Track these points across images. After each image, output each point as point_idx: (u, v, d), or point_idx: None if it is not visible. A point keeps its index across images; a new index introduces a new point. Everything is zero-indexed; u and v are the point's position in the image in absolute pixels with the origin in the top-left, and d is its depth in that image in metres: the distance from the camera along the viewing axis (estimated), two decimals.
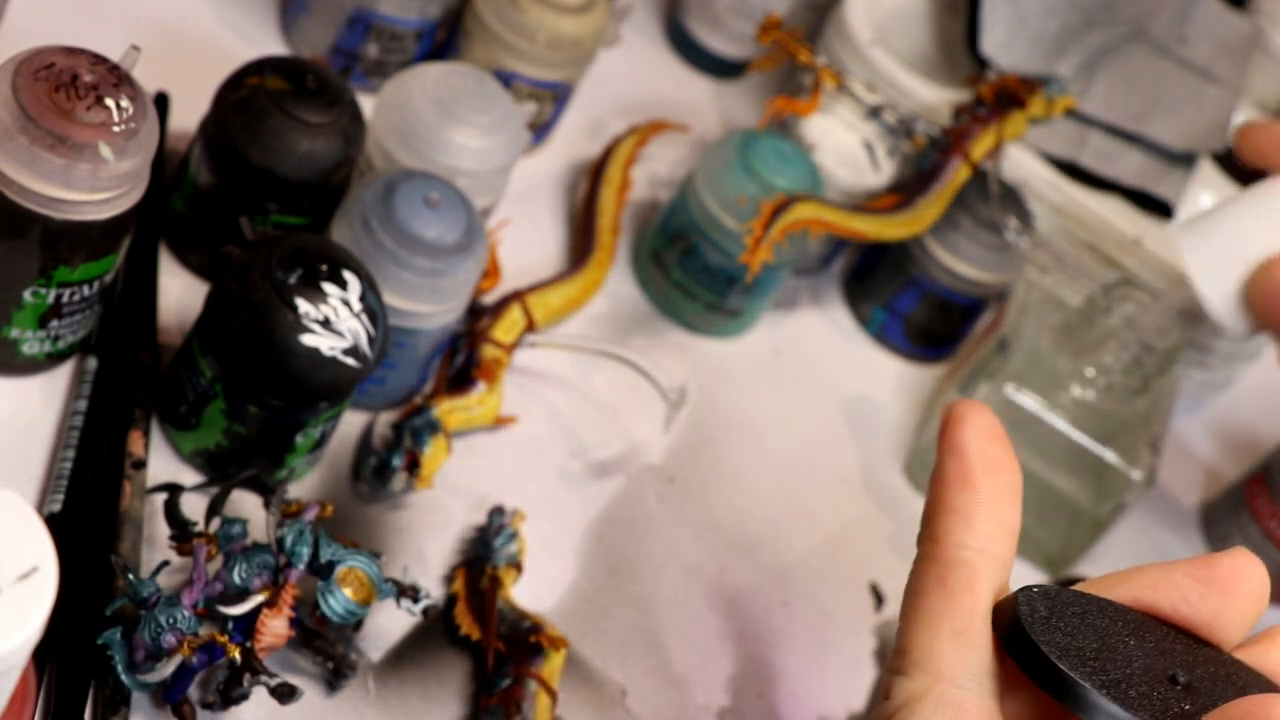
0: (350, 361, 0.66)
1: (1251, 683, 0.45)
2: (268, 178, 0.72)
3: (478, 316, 0.79)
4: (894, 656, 0.44)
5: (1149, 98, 0.98)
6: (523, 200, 0.89)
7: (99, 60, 0.63)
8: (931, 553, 0.45)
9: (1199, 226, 0.81)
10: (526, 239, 0.88)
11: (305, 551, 0.62)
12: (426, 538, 0.73)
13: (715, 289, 0.88)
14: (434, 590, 0.71)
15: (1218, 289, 0.79)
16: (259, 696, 0.60)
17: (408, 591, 0.64)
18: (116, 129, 0.62)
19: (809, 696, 0.75)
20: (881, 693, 0.44)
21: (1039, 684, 0.42)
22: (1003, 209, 0.90)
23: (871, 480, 0.87)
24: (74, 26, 0.81)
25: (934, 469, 0.47)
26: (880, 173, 0.91)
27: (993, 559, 0.44)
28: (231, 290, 0.66)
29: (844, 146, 0.90)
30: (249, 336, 0.65)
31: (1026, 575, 0.88)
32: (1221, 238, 0.79)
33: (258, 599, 0.61)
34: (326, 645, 0.65)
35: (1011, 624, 0.43)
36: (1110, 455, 0.85)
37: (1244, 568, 0.45)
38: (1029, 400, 0.85)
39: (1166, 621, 0.46)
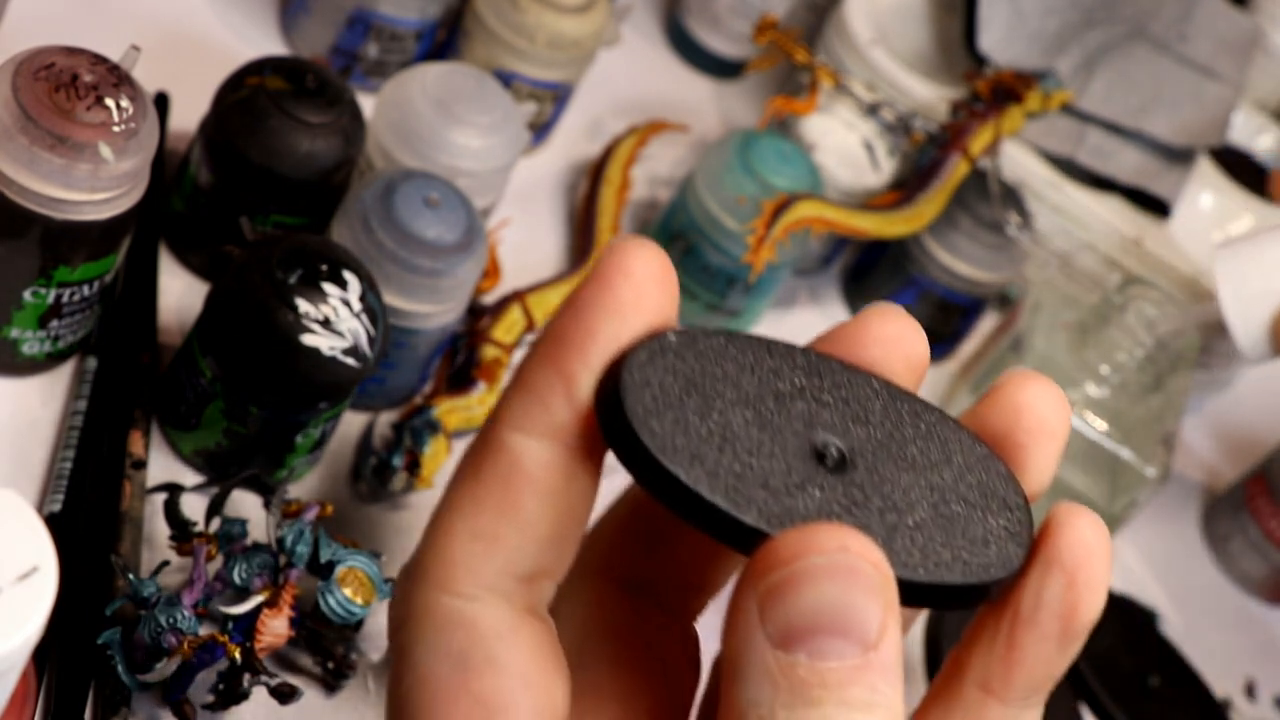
0: (350, 361, 0.66)
1: (937, 447, 0.36)
2: (268, 178, 0.72)
3: (478, 316, 0.79)
4: (415, 552, 0.35)
5: (1148, 94, 0.98)
6: (523, 200, 0.89)
7: (99, 60, 0.63)
8: (481, 433, 0.35)
9: (1235, 252, 0.81)
10: (526, 239, 0.88)
11: (305, 551, 0.62)
12: None
13: (715, 289, 0.88)
14: None
15: (1245, 317, 0.79)
16: (259, 696, 0.60)
17: None
18: (116, 129, 0.62)
19: None
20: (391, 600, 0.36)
21: (636, 479, 0.34)
22: (1003, 206, 0.90)
23: None
24: (74, 26, 0.81)
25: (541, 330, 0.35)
26: (880, 172, 0.91)
27: (552, 458, 0.34)
28: (231, 290, 0.66)
29: (844, 146, 0.90)
30: (249, 336, 0.65)
31: None
32: (1256, 268, 0.80)
33: (258, 599, 0.61)
34: (326, 645, 0.65)
35: (609, 389, 0.34)
36: (1125, 452, 0.85)
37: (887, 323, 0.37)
38: None
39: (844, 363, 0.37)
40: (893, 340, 0.38)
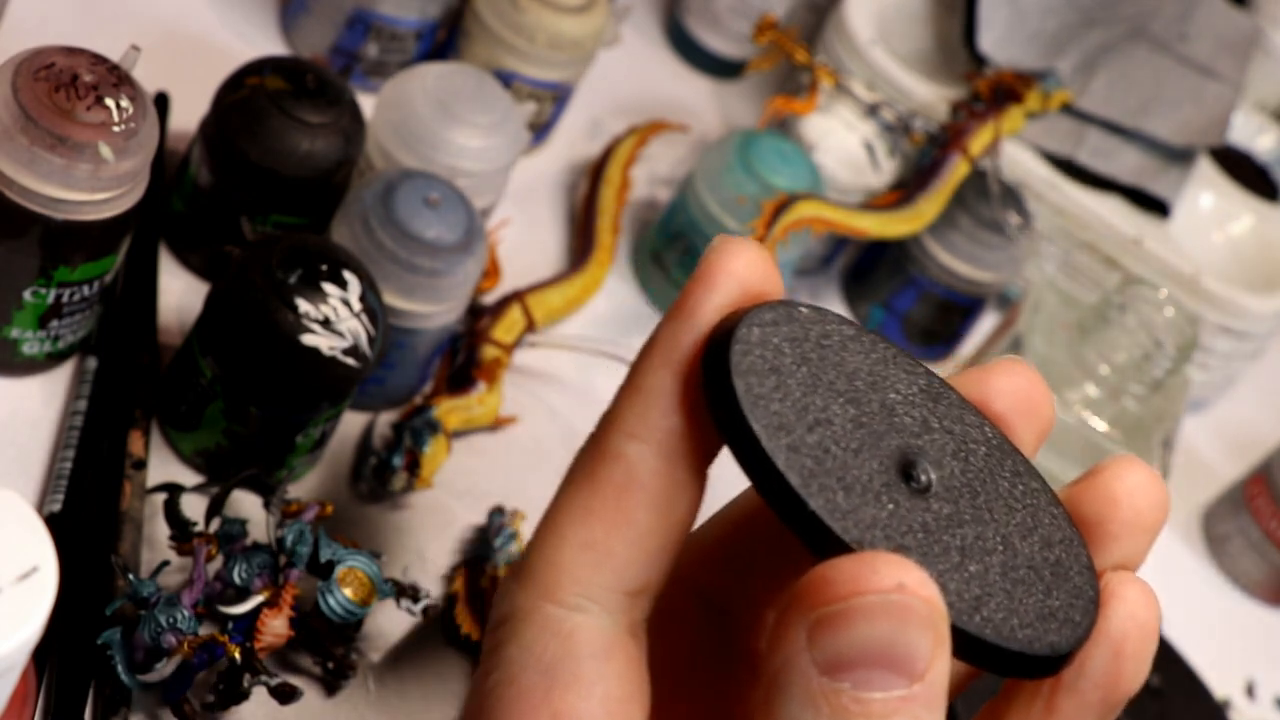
0: (350, 361, 0.66)
1: (1026, 513, 0.35)
2: (268, 178, 0.72)
3: (478, 316, 0.79)
4: (523, 554, 0.36)
5: (1148, 93, 0.98)
6: (523, 200, 0.89)
7: (99, 60, 0.63)
8: (595, 436, 0.35)
9: None
10: (526, 239, 0.88)
11: (305, 551, 0.62)
12: (426, 538, 0.73)
13: None
14: (434, 590, 0.71)
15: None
16: (259, 696, 0.60)
17: (408, 591, 0.64)
18: (116, 129, 0.62)
19: None
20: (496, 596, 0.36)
21: (718, 425, 0.33)
22: (1003, 206, 0.90)
23: None
24: (74, 26, 0.81)
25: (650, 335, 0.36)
26: (880, 173, 0.91)
27: (665, 469, 0.34)
28: (231, 290, 0.66)
29: (844, 146, 0.90)
30: (249, 336, 0.65)
31: None
32: None
33: (258, 599, 0.61)
34: (326, 645, 0.65)
35: (715, 352, 0.33)
36: (1125, 452, 0.85)
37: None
38: None
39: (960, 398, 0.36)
40: (1020, 396, 0.37)
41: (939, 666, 0.31)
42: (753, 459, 0.32)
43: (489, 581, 0.70)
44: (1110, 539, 0.36)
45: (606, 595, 0.34)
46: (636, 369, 0.35)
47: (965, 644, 0.32)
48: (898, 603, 0.30)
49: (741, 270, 0.34)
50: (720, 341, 0.33)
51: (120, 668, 0.59)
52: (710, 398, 0.33)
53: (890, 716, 0.30)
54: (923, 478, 0.34)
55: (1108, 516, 0.36)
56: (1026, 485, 0.36)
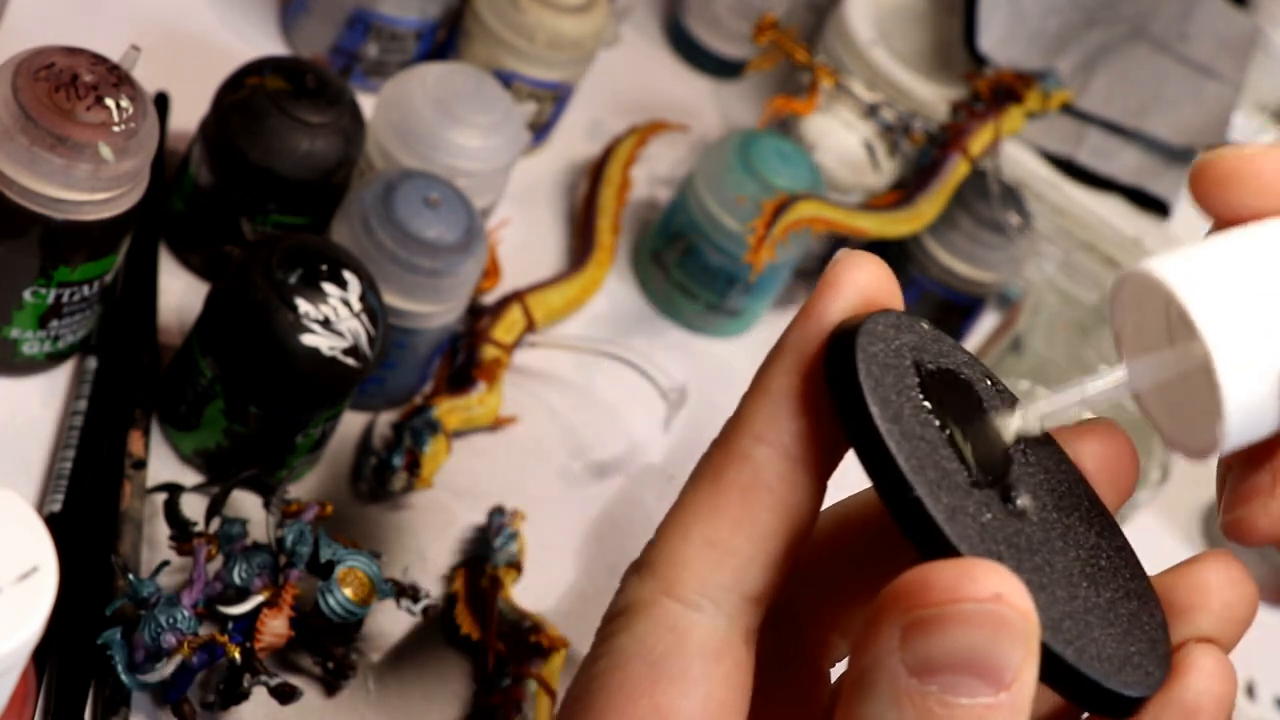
0: (350, 361, 0.66)
1: (1110, 567, 0.35)
2: (268, 178, 0.72)
3: (478, 316, 0.79)
4: (645, 548, 0.36)
5: (1148, 93, 0.98)
6: (523, 200, 0.89)
7: (99, 60, 0.63)
8: (723, 437, 0.36)
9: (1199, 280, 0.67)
10: (526, 239, 0.88)
11: (305, 551, 0.62)
12: (426, 538, 0.73)
13: (715, 289, 0.88)
14: (434, 590, 0.71)
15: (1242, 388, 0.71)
16: (259, 696, 0.60)
17: (408, 591, 0.64)
18: (116, 129, 0.62)
19: None
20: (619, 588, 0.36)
21: (841, 423, 0.34)
22: (1003, 206, 0.90)
23: None
24: (74, 26, 0.81)
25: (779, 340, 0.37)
26: (880, 173, 0.91)
27: (790, 473, 0.35)
28: (231, 290, 0.66)
29: (844, 146, 0.90)
30: (249, 336, 0.65)
31: None
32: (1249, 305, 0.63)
33: (258, 599, 0.61)
34: (326, 645, 0.65)
35: (839, 344, 0.34)
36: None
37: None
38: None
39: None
40: (1109, 460, 0.39)
41: (1026, 679, 0.31)
42: (870, 447, 0.33)
43: (489, 581, 0.70)
44: (1197, 623, 0.37)
45: (725, 596, 0.35)
46: (764, 372, 0.35)
47: (1049, 665, 0.33)
48: (994, 613, 0.30)
49: (865, 280, 0.36)
50: (846, 335, 0.34)
51: (120, 668, 0.59)
52: (832, 384, 0.34)
53: None
54: (1019, 501, 0.35)
55: (1196, 604, 0.37)
56: (1110, 539, 0.37)
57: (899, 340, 0.35)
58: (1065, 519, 0.36)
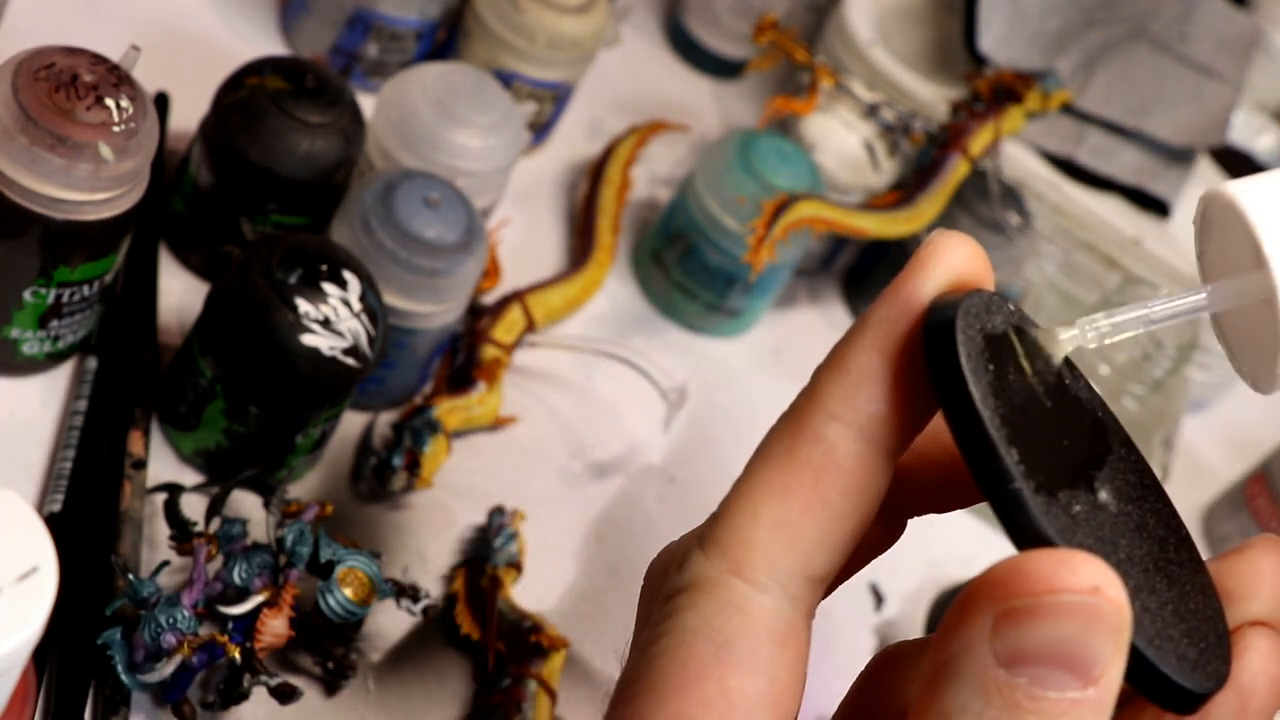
0: (350, 361, 0.66)
1: (1176, 566, 0.36)
2: (268, 178, 0.72)
3: (478, 316, 0.79)
4: (708, 521, 0.35)
5: (1148, 93, 0.98)
6: (523, 200, 0.89)
7: (99, 60, 0.63)
8: (795, 413, 0.35)
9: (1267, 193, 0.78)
10: (526, 239, 0.88)
11: (305, 551, 0.62)
12: (426, 538, 0.73)
13: (715, 289, 0.88)
14: (434, 590, 0.71)
15: None
16: (259, 696, 0.60)
17: (408, 591, 0.64)
18: (116, 129, 0.62)
19: (808, 696, 0.75)
20: (678, 556, 0.36)
21: (941, 405, 0.33)
22: (1003, 206, 0.90)
23: None
24: (74, 26, 0.81)
25: (860, 318, 0.36)
26: (880, 172, 0.91)
27: (864, 455, 0.34)
28: (231, 290, 0.66)
29: (844, 146, 0.90)
30: (249, 336, 0.65)
31: None
32: None
33: (258, 599, 0.61)
34: (326, 645, 0.65)
35: (941, 321, 0.33)
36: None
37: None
38: None
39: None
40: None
41: (1114, 674, 0.31)
42: (970, 434, 0.33)
43: (489, 581, 0.70)
44: (1250, 609, 0.36)
45: (792, 578, 0.34)
46: (843, 350, 0.35)
47: (1129, 659, 0.32)
48: (1091, 605, 0.30)
49: (959, 261, 0.35)
50: (945, 316, 0.33)
51: (120, 668, 0.59)
52: (933, 366, 0.33)
53: (1060, 717, 0.30)
54: (1101, 494, 0.35)
55: (1249, 592, 0.36)
56: (1175, 530, 0.37)
57: (994, 321, 0.34)
58: (1138, 510, 0.36)
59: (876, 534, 0.39)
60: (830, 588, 0.39)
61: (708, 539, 0.35)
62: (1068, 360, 0.36)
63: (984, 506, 0.39)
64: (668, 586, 0.35)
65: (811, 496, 0.34)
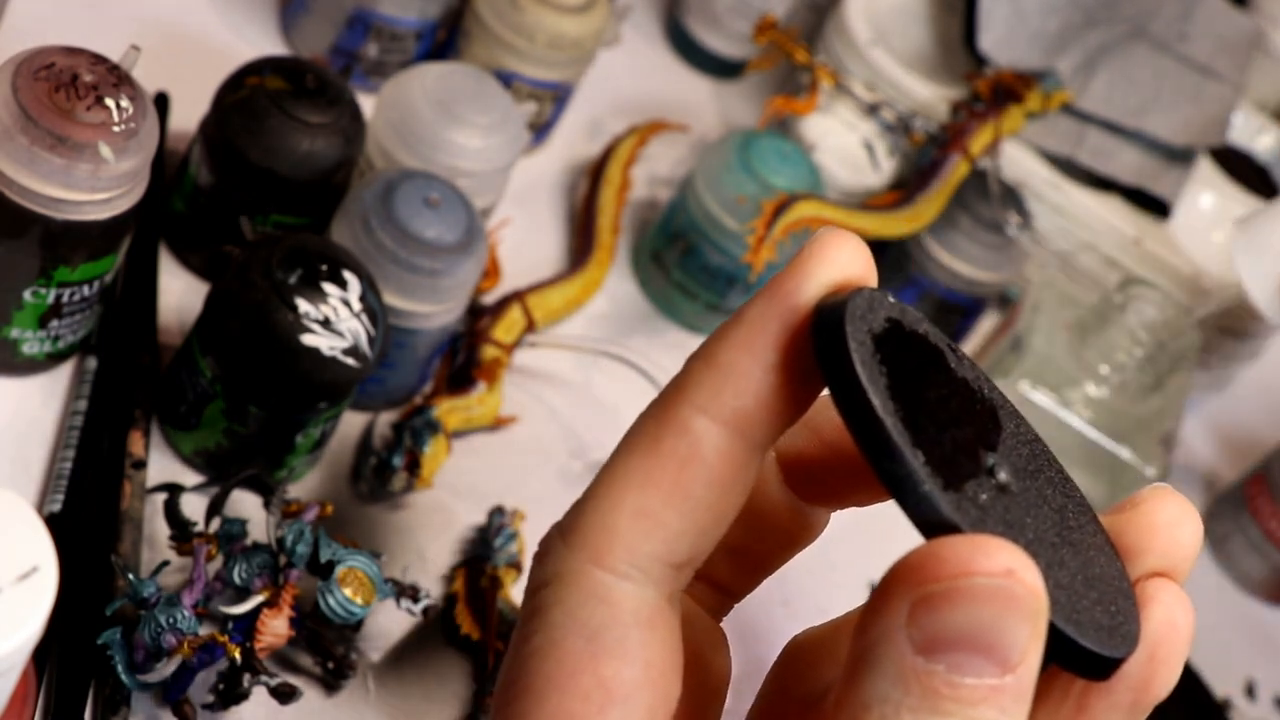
0: (350, 361, 0.66)
1: (1078, 533, 0.36)
2: (268, 178, 0.72)
3: (478, 316, 0.79)
4: (570, 510, 0.35)
5: (1148, 93, 0.98)
6: (523, 200, 0.89)
7: (99, 60, 0.63)
8: (661, 404, 0.34)
9: (1250, 225, 0.85)
10: (526, 239, 0.88)
11: (305, 551, 0.62)
12: (426, 538, 0.73)
13: (715, 289, 0.88)
14: (434, 590, 0.71)
15: (1261, 281, 0.83)
16: (259, 696, 0.60)
17: (408, 591, 0.64)
18: (116, 129, 0.62)
19: None
20: (538, 551, 0.35)
21: (840, 411, 0.33)
22: (1003, 206, 0.90)
23: None
24: (74, 26, 0.81)
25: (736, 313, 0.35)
26: (880, 172, 0.91)
27: (729, 448, 0.34)
28: (231, 290, 0.66)
29: (844, 146, 0.90)
30: (249, 336, 0.65)
31: None
32: (1268, 235, 0.84)
33: (258, 599, 0.61)
34: (326, 645, 0.65)
35: (830, 320, 0.33)
36: (1125, 452, 0.85)
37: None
38: (1043, 398, 0.85)
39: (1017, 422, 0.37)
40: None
41: (1032, 661, 0.31)
42: (869, 432, 0.32)
43: (489, 581, 0.70)
44: (1148, 563, 0.36)
45: (653, 565, 0.34)
46: (716, 344, 0.34)
47: (1049, 639, 0.32)
48: (1005, 589, 0.30)
49: (845, 260, 0.34)
50: (833, 314, 0.33)
51: (120, 668, 0.59)
52: (825, 364, 0.33)
53: (979, 704, 0.30)
54: (1001, 475, 0.34)
55: (1145, 546, 0.36)
56: (1072, 495, 0.36)
57: (878, 318, 0.34)
58: (1035, 484, 0.36)
59: (797, 527, 0.39)
60: (753, 583, 0.40)
61: (569, 529, 0.35)
62: (950, 342, 0.36)
63: None
64: (532, 579, 0.35)
65: (673, 487, 0.34)
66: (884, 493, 0.34)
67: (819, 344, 0.33)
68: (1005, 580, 0.30)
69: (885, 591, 0.31)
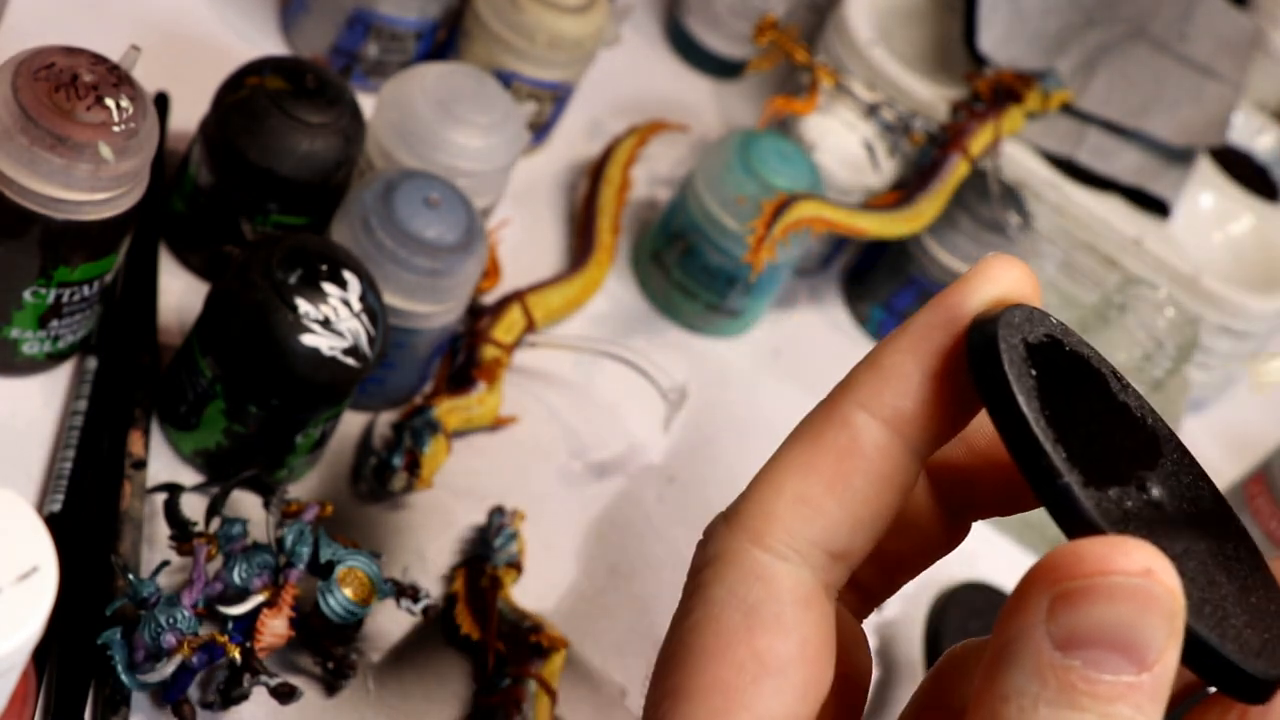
0: (350, 361, 0.66)
1: (1238, 563, 0.36)
2: (268, 178, 0.72)
3: (478, 316, 0.79)
4: (736, 499, 0.37)
5: (1148, 93, 0.98)
6: (523, 200, 0.89)
7: (99, 60, 0.63)
8: (826, 402, 0.36)
9: None
10: (526, 239, 0.88)
11: (305, 551, 0.62)
12: (426, 538, 0.73)
13: (715, 289, 0.88)
14: (434, 590, 0.71)
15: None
16: (259, 696, 0.60)
17: (408, 591, 0.64)
18: (116, 129, 0.62)
19: None
20: (706, 533, 0.37)
21: (987, 408, 0.34)
22: (1003, 206, 0.90)
23: None
24: (74, 26, 0.81)
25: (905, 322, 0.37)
26: (880, 172, 0.91)
27: (888, 445, 0.35)
28: (231, 290, 0.66)
29: (844, 146, 0.90)
30: (249, 336, 0.65)
31: None
32: None
33: (258, 599, 0.61)
34: (326, 645, 0.65)
35: (984, 329, 0.34)
36: None
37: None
38: None
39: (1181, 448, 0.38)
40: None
41: (1168, 660, 0.31)
42: (1017, 434, 0.33)
43: (489, 581, 0.70)
44: None
45: (811, 550, 0.35)
46: (882, 348, 0.36)
47: (1190, 647, 0.33)
48: (1143, 588, 0.31)
49: (1008, 281, 0.36)
50: (987, 325, 0.35)
51: (120, 668, 0.59)
52: (977, 372, 0.34)
53: (1115, 701, 0.31)
54: (1154, 491, 0.35)
55: None
56: (1235, 530, 0.37)
57: (1037, 331, 0.35)
58: (1193, 509, 0.36)
59: (941, 534, 0.40)
60: (893, 587, 0.41)
61: (732, 514, 0.36)
62: (1114, 370, 0.37)
63: None
64: (694, 561, 0.37)
65: (833, 476, 0.35)
66: (1029, 503, 0.34)
67: (971, 344, 0.35)
68: (1143, 580, 0.31)
69: (1026, 588, 0.32)
